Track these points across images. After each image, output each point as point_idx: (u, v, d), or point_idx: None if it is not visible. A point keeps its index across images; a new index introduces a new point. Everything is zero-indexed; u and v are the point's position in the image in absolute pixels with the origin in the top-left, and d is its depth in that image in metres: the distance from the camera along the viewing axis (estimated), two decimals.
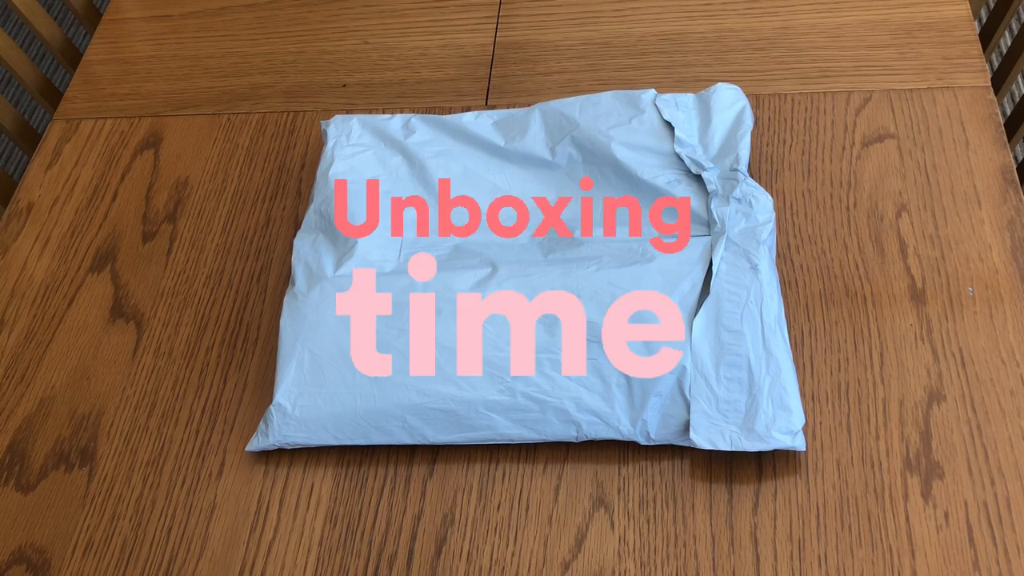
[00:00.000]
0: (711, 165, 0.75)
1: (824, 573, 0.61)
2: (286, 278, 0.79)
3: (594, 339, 0.67)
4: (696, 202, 0.73)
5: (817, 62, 0.87)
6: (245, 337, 0.76)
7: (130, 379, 0.75)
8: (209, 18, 1.01)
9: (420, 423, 0.67)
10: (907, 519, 0.63)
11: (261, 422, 0.69)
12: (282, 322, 0.71)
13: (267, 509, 0.68)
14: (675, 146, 0.76)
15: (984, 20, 1.31)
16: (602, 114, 0.78)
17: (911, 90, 0.84)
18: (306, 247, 0.75)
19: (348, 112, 0.90)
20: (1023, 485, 0.63)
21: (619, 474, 0.66)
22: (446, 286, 0.70)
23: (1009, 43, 1.61)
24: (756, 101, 0.85)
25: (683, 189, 0.74)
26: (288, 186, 0.85)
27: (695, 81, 0.87)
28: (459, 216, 0.77)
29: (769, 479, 0.65)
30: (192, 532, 0.67)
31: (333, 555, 0.65)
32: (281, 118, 0.91)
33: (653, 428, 0.66)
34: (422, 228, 0.76)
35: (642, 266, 0.69)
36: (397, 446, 0.69)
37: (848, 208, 0.77)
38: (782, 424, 0.64)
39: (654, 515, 0.64)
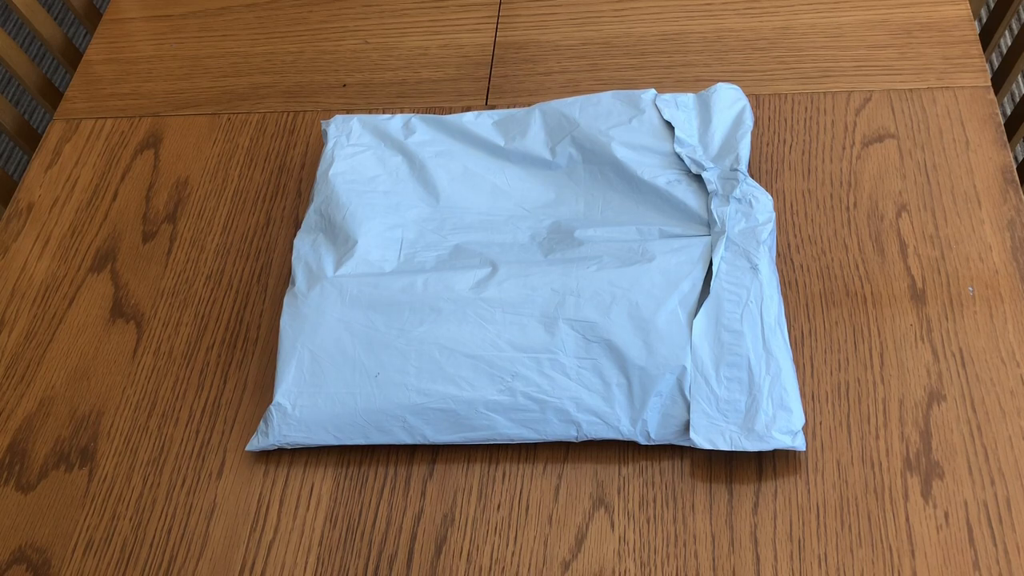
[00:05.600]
0: (711, 165, 0.75)
1: (824, 573, 0.61)
2: (286, 278, 0.79)
3: (594, 339, 0.67)
4: (696, 202, 0.73)
5: (817, 62, 0.87)
6: (245, 337, 0.76)
7: (130, 379, 0.75)
8: (209, 18, 1.01)
9: (420, 423, 0.67)
10: (907, 519, 0.63)
11: (261, 422, 0.69)
12: (282, 322, 0.71)
13: (267, 509, 0.68)
14: (675, 146, 0.76)
15: (984, 20, 1.31)
16: (602, 114, 0.78)
17: (911, 90, 0.84)
18: (306, 247, 0.75)
19: (348, 112, 0.90)
20: (1023, 485, 0.63)
21: (619, 474, 0.66)
22: (446, 286, 0.70)
23: (1009, 43, 1.61)
24: (756, 101, 0.85)
25: (683, 189, 0.74)
26: (288, 186, 0.85)
27: (695, 81, 0.87)
28: (459, 216, 0.77)
29: (769, 479, 0.65)
30: (192, 532, 0.67)
31: (333, 555, 0.65)
32: (281, 118, 0.91)
33: (653, 428, 0.66)
34: (422, 228, 0.76)
35: (642, 266, 0.69)
36: (397, 446, 0.69)
37: (848, 208, 0.77)
38: (782, 424, 0.64)
39: (654, 515, 0.64)
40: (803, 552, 0.62)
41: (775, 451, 0.66)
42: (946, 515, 0.63)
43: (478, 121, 0.81)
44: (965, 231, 0.75)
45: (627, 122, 0.78)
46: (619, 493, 0.65)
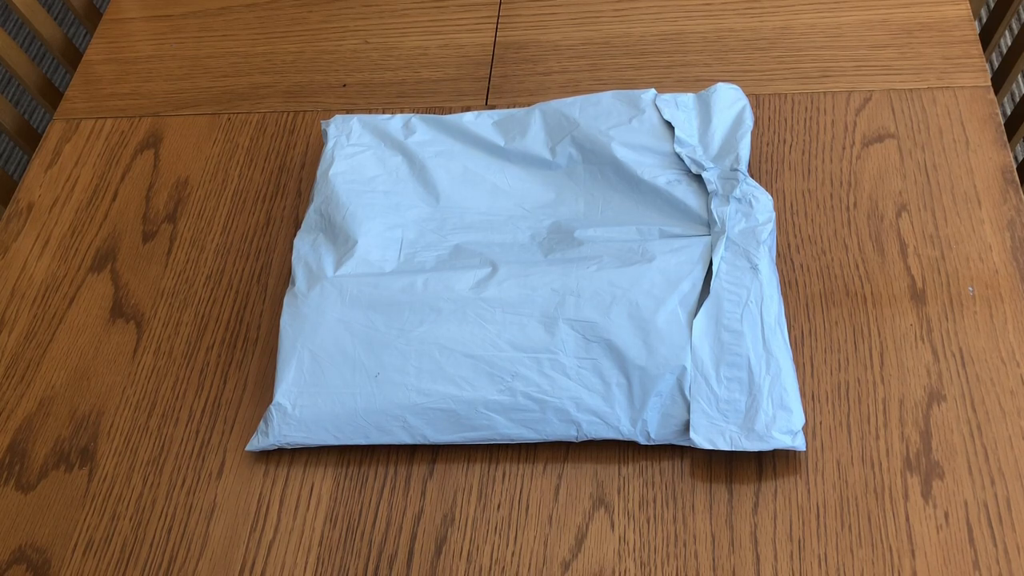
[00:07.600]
0: (711, 165, 0.75)
1: (824, 573, 0.61)
2: (286, 278, 0.79)
3: (594, 339, 0.67)
4: (696, 202, 0.73)
5: (817, 62, 0.87)
6: (245, 337, 0.76)
7: (130, 379, 0.75)
8: (209, 18, 1.01)
9: (420, 423, 0.67)
10: (907, 519, 0.63)
11: (261, 422, 0.69)
12: (282, 322, 0.71)
13: (267, 509, 0.68)
14: (675, 146, 0.76)
15: (984, 20, 1.31)
16: (602, 114, 0.78)
17: (911, 90, 0.84)
18: (306, 247, 0.75)
19: (348, 112, 0.90)
20: (1023, 485, 0.63)
21: (619, 474, 0.66)
22: (446, 286, 0.70)
23: (1009, 43, 1.61)
24: (756, 101, 0.85)
25: (683, 189, 0.74)
26: (288, 186, 0.85)
27: (695, 81, 0.87)
28: (459, 216, 0.77)
29: (769, 479, 0.65)
30: (192, 532, 0.67)
31: (333, 555, 0.65)
32: (281, 118, 0.91)
33: (653, 428, 0.66)
34: (422, 228, 0.76)
35: (642, 266, 0.69)
36: (397, 446, 0.69)
37: (848, 208, 0.77)
38: (782, 424, 0.64)
39: (654, 515, 0.64)
40: (803, 552, 0.62)
41: (775, 451, 0.66)
42: (946, 515, 0.63)
43: (478, 121, 0.81)
44: (965, 231, 0.75)
45: (627, 122, 0.78)
46: (619, 493, 0.65)
